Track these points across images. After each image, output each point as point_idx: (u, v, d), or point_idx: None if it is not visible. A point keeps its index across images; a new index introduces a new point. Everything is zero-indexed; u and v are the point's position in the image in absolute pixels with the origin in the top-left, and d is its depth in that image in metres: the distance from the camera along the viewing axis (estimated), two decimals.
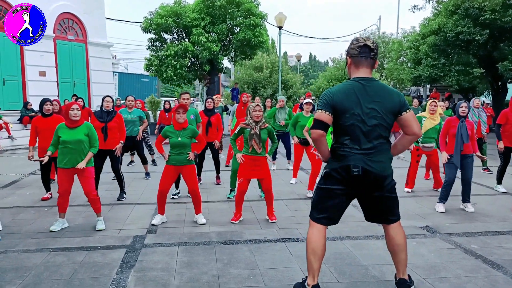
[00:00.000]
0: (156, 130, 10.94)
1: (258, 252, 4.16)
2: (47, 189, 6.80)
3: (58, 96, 15.83)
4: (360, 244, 4.41)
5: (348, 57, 3.05)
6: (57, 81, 15.99)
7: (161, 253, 4.13)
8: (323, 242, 3.08)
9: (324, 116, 2.91)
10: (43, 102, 6.47)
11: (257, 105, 5.50)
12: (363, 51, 2.94)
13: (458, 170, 6.04)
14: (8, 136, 13.21)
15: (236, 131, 5.60)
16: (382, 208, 3.09)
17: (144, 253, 4.11)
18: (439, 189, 7.17)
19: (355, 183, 2.95)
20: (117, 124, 6.70)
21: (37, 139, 6.47)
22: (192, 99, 12.80)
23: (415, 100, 13.25)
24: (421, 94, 25.19)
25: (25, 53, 14.91)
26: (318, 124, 2.93)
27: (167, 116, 11.64)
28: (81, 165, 5.03)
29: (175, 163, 5.38)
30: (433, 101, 7.07)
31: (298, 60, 34.85)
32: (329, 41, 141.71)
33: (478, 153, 6.11)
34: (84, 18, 17.04)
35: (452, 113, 12.75)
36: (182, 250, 4.20)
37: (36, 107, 14.07)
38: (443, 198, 6.14)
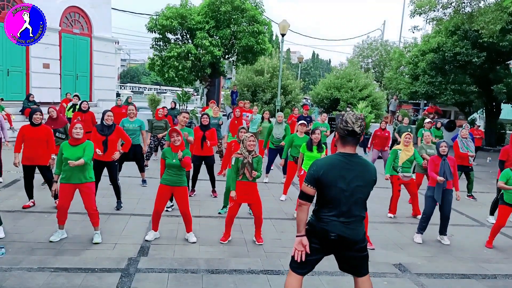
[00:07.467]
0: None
1: (242, 285, 4.53)
2: (30, 197, 6.94)
3: (60, 88, 16.13)
4: (335, 281, 4.77)
5: (336, 132, 3.40)
6: (60, 74, 16.23)
7: (153, 279, 4.50)
8: None
9: (310, 190, 3.31)
10: (34, 111, 6.65)
11: (252, 135, 5.87)
12: (350, 135, 3.26)
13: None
14: (9, 128, 13.47)
15: (233, 163, 5.91)
16: (355, 264, 3.46)
17: (137, 279, 4.47)
18: (418, 216, 7.60)
19: (330, 245, 3.32)
20: (117, 137, 7.05)
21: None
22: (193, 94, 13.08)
23: (406, 118, 13.68)
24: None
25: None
26: (304, 197, 3.33)
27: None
28: (72, 163, 5.26)
29: (168, 183, 5.76)
30: (408, 134, 7.55)
31: (300, 62, 35.09)
32: (333, 43, 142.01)
33: (458, 192, 6.48)
34: (90, 12, 17.21)
35: (440, 130, 13.12)
36: (172, 278, 4.57)
37: (38, 99, 14.35)
38: (421, 229, 6.55)
